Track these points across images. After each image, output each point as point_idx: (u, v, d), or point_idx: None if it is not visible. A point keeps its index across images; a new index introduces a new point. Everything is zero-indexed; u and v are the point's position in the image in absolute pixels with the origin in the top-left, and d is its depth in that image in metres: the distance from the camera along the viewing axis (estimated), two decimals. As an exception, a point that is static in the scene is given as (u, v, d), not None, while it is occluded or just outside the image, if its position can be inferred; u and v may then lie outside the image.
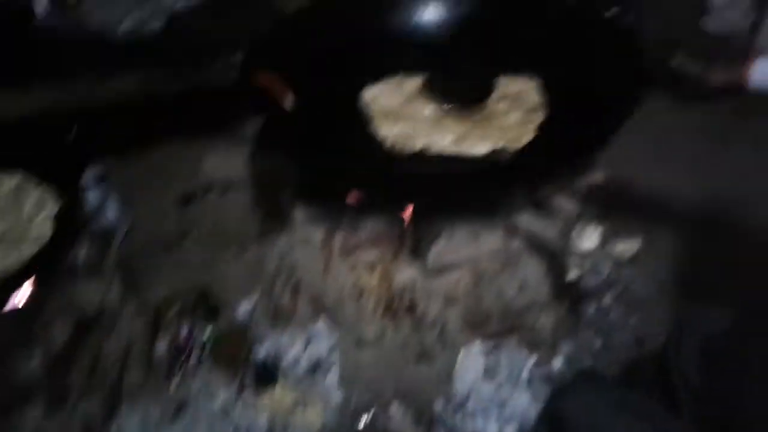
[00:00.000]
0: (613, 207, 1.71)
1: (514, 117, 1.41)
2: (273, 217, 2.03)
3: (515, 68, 1.46)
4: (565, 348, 1.65)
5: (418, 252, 1.45)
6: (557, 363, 1.63)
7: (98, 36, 1.73)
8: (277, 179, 2.06)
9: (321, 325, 1.70)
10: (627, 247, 1.44)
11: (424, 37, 1.62)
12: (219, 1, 1.86)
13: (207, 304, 1.80)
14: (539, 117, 1.39)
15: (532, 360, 1.61)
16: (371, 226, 1.42)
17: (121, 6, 1.74)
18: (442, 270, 1.44)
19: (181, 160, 2.24)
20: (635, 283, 1.62)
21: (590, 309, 1.71)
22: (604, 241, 1.41)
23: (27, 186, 1.43)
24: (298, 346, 1.68)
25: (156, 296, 1.60)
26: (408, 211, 1.45)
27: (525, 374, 1.59)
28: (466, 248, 1.41)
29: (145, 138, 1.99)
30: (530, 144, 1.34)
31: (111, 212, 1.77)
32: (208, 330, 1.71)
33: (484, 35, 1.49)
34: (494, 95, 1.45)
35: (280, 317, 1.74)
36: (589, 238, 1.35)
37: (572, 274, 1.39)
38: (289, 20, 1.61)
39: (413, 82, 1.50)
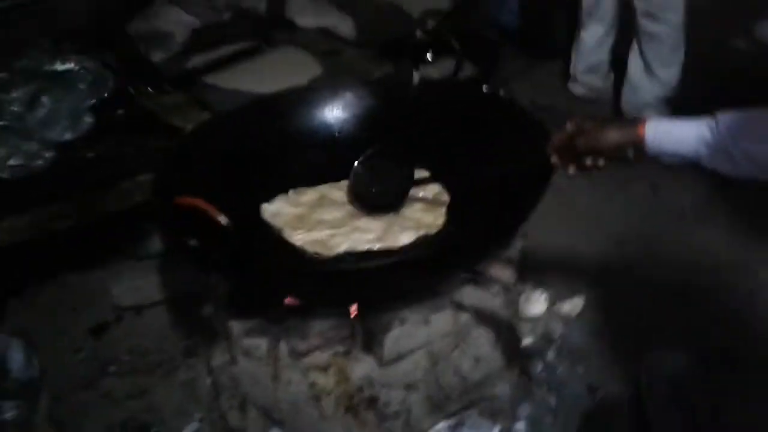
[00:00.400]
0: (531, 271, 1.78)
1: (423, 209, 1.46)
2: (199, 334, 1.96)
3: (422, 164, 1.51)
4: (524, 411, 1.67)
5: (371, 345, 1.43)
6: (519, 427, 1.65)
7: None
8: (197, 296, 1.99)
9: (276, 434, 1.62)
10: (572, 306, 1.50)
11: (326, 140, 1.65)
12: (106, 129, 1.82)
13: (148, 435, 1.69)
14: (445, 204, 1.47)
15: (496, 429, 1.62)
16: (318, 328, 1.39)
17: (7, 144, 1.66)
18: (398, 358, 1.43)
19: (85, 291, 2.15)
20: (575, 337, 1.69)
21: (538, 368, 1.76)
22: (551, 303, 1.47)
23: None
24: (256, 463, 1.59)
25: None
26: (354, 307, 1.43)
27: (493, 445, 1.59)
28: (419, 333, 1.40)
29: (44, 275, 1.88)
30: (452, 228, 1.39)
31: (16, 359, 1.63)
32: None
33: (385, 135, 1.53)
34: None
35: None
36: (535, 303, 1.40)
37: (526, 341, 1.42)
38: (190, 137, 1.59)
39: (310, 193, 1.52)
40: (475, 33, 3.04)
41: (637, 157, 1.18)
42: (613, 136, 1.18)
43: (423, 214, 1.46)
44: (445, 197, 1.47)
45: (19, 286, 1.88)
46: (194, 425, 1.75)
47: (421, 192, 1.48)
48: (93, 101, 1.84)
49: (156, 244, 2.23)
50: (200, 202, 1.08)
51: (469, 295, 1.44)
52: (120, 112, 1.90)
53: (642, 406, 1.34)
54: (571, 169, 1.26)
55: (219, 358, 1.69)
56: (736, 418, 1.27)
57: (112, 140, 1.77)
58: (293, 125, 1.65)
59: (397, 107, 1.64)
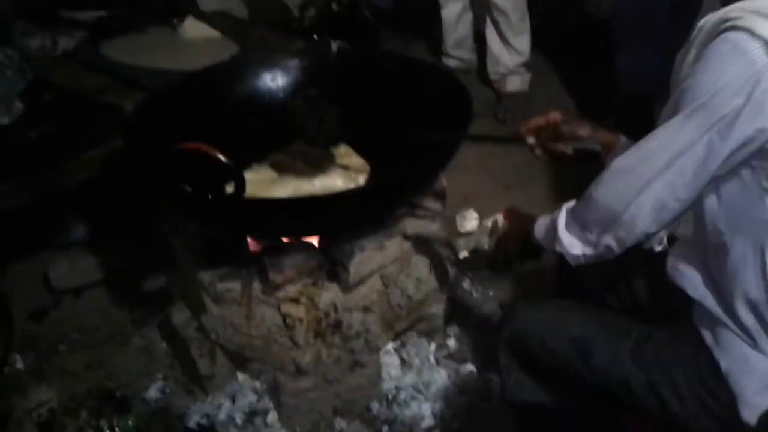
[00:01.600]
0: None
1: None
2: (144, 306, 2.06)
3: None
4: (452, 330, 1.95)
5: (335, 273, 1.64)
6: (450, 343, 1.92)
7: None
8: (135, 273, 2.09)
9: (241, 377, 1.79)
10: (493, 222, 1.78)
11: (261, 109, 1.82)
12: (39, 113, 1.88)
13: (114, 399, 1.79)
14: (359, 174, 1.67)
15: (432, 346, 1.88)
16: (290, 262, 1.58)
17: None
18: (359, 283, 1.65)
19: (18, 279, 2.18)
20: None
21: (459, 293, 2.05)
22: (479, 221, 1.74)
23: None
24: (226, 404, 1.76)
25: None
26: (318, 241, 1.63)
27: (432, 358, 1.86)
28: (376, 258, 1.63)
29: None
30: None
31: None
32: (129, 422, 1.71)
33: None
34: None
35: (196, 384, 1.80)
36: (470, 221, 1.66)
37: (462, 254, 1.67)
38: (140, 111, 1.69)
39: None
40: (352, 15, 3.30)
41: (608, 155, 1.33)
42: (588, 130, 1.36)
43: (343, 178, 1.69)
44: (366, 168, 1.69)
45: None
46: (159, 383, 1.87)
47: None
48: (20, 87, 1.89)
49: (81, 229, 2.30)
50: (202, 146, 1.23)
51: (411, 224, 1.69)
52: (46, 97, 1.96)
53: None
54: (539, 152, 1.43)
55: (179, 316, 1.82)
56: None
57: (51, 122, 1.83)
58: (231, 97, 1.81)
59: (321, 74, 1.85)
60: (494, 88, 3.13)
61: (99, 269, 2.18)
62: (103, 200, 2.14)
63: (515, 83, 3.05)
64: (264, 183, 1.63)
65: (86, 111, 1.88)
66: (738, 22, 0.91)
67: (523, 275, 2.10)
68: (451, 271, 2.07)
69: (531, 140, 1.43)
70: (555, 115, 1.41)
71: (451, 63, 3.26)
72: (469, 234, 1.61)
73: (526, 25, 2.98)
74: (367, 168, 1.71)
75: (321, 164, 1.69)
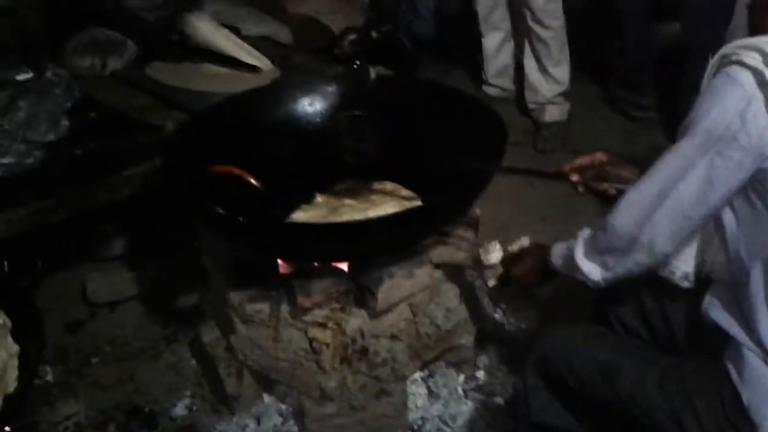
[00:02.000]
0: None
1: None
2: (177, 322, 2.08)
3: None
4: (482, 361, 1.92)
5: (363, 299, 1.64)
6: (479, 374, 1.90)
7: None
8: (169, 289, 2.13)
9: (267, 399, 1.79)
10: (520, 244, 1.75)
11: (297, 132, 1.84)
12: (84, 130, 1.93)
13: (142, 414, 1.81)
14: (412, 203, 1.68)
15: (461, 377, 1.86)
16: (319, 286, 1.58)
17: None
18: (387, 310, 1.64)
19: (56, 292, 2.23)
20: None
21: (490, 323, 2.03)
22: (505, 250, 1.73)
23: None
24: (251, 426, 1.76)
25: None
26: (347, 266, 1.64)
27: (460, 390, 1.84)
28: (404, 285, 1.63)
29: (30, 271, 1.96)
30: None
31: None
32: (156, 437, 1.72)
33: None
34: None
35: (223, 403, 1.80)
36: (493, 253, 1.65)
37: (490, 283, 1.65)
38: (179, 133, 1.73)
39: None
40: (391, 42, 3.34)
41: None
42: (634, 173, 1.36)
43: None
44: (417, 201, 1.70)
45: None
46: (186, 401, 1.89)
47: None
48: (68, 105, 1.95)
49: (119, 245, 2.35)
50: (234, 169, 1.25)
51: (439, 252, 1.68)
52: (92, 114, 2.02)
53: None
54: (581, 189, 1.45)
55: (209, 335, 1.84)
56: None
57: (95, 139, 1.88)
58: (269, 120, 1.84)
59: (359, 100, 1.87)
60: (532, 118, 3.11)
61: (135, 284, 2.22)
62: (141, 217, 2.18)
63: (554, 113, 3.03)
64: (319, 218, 1.63)
65: (129, 130, 1.93)
66: (732, 57, 1.05)
67: (556, 306, 2.07)
68: (483, 301, 2.05)
69: (575, 177, 1.45)
70: (601, 156, 1.44)
71: (491, 91, 3.25)
72: (493, 265, 1.60)
73: (566, 55, 2.96)
74: (418, 199, 1.71)
75: (369, 199, 1.71)
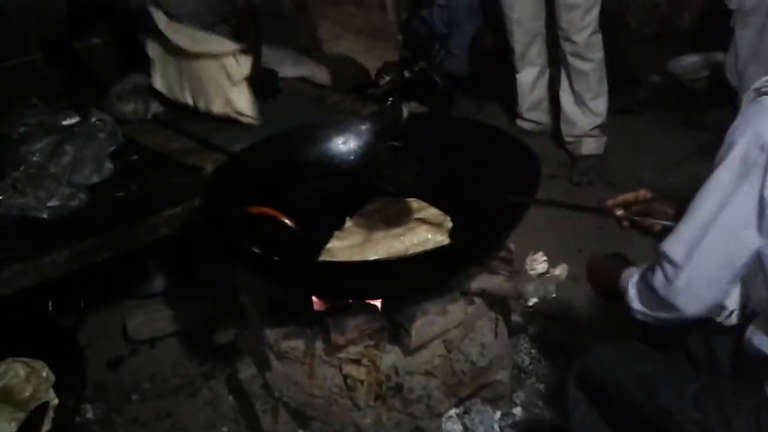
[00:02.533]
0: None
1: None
2: (214, 359, 2.11)
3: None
4: (519, 398, 1.90)
5: (397, 336, 1.65)
6: (516, 411, 1.87)
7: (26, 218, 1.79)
8: (207, 326, 2.16)
9: (304, 437, 1.79)
10: (561, 270, 1.75)
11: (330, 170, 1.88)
12: (126, 172, 2.01)
13: (181, 451, 1.82)
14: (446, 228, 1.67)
15: (497, 414, 1.84)
16: (353, 324, 1.60)
17: (45, 187, 1.83)
18: (420, 347, 1.64)
19: (98, 329, 2.28)
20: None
21: (526, 361, 2.01)
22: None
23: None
24: (286, 465, 1.75)
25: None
26: (381, 304, 1.65)
27: (496, 427, 1.81)
28: (438, 322, 1.63)
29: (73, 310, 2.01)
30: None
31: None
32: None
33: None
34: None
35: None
36: (540, 263, 1.65)
37: (531, 302, 1.64)
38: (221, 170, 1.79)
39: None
40: (424, 80, 3.39)
41: None
42: (680, 209, 1.33)
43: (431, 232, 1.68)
44: (448, 222, 1.71)
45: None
46: (222, 437, 1.90)
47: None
48: (112, 149, 2.03)
49: (159, 283, 2.40)
50: (269, 210, 1.29)
51: (480, 279, 1.68)
52: (134, 157, 2.09)
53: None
54: (626, 223, 1.46)
55: (246, 371, 1.86)
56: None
57: (136, 181, 1.95)
58: (304, 159, 1.88)
59: (391, 138, 1.89)
60: (568, 151, 3.10)
61: (174, 321, 2.26)
62: (181, 256, 2.23)
63: (590, 146, 3.02)
64: (355, 248, 1.63)
65: (170, 171, 1.99)
66: (762, 89, 1.10)
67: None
68: (520, 336, 2.03)
69: (619, 212, 1.46)
70: (645, 193, 1.46)
71: (526, 126, 3.26)
72: (538, 276, 1.60)
73: (604, 87, 2.96)
74: (448, 219, 1.71)
75: (400, 219, 1.71)
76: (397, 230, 1.68)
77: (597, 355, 1.41)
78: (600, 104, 2.97)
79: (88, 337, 2.26)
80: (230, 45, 2.11)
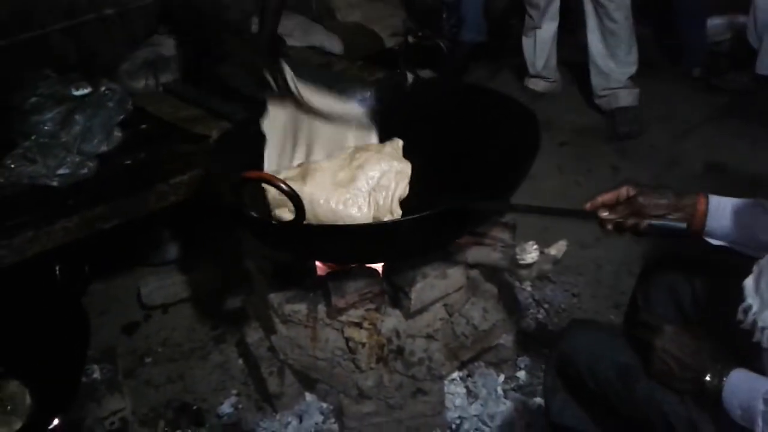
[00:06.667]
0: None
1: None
2: (225, 323, 2.15)
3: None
4: (523, 362, 1.92)
5: (397, 300, 1.67)
6: (521, 375, 1.89)
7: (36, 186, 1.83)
8: (219, 292, 2.20)
9: (309, 398, 1.83)
10: (558, 248, 1.73)
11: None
12: (135, 141, 2.03)
13: (191, 411, 1.88)
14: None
15: (501, 377, 1.86)
16: (354, 287, 1.62)
17: (55, 156, 1.86)
18: (421, 310, 1.66)
19: (112, 296, 2.33)
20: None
21: (532, 326, 2.01)
22: (541, 251, 1.71)
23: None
24: (293, 423, 1.80)
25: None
26: (381, 267, 1.67)
27: (500, 390, 1.83)
28: (438, 285, 1.65)
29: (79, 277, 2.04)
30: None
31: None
32: (203, 435, 1.78)
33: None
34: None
35: (267, 402, 1.85)
36: (530, 253, 1.64)
37: (525, 284, 1.65)
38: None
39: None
40: (428, 46, 3.36)
41: (695, 232, 1.26)
42: (670, 198, 1.26)
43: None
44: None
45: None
46: (232, 399, 1.95)
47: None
48: (121, 117, 2.06)
49: (172, 250, 2.45)
50: (265, 174, 1.30)
51: (473, 253, 1.69)
52: (143, 126, 2.12)
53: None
54: (610, 226, 1.28)
55: (253, 335, 1.90)
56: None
57: (144, 149, 1.98)
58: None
59: (396, 103, 1.90)
60: (602, 107, 3.07)
61: (186, 287, 2.31)
62: (191, 223, 2.27)
63: (627, 98, 2.98)
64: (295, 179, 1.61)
65: (177, 140, 2.01)
66: None
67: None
68: (526, 301, 2.04)
69: (604, 214, 1.29)
70: (627, 190, 1.29)
71: (539, 87, 3.24)
72: (530, 265, 1.60)
73: (634, 40, 2.95)
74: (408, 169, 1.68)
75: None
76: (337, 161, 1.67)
77: (575, 343, 1.34)
78: (632, 55, 2.96)
79: (104, 303, 2.32)
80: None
